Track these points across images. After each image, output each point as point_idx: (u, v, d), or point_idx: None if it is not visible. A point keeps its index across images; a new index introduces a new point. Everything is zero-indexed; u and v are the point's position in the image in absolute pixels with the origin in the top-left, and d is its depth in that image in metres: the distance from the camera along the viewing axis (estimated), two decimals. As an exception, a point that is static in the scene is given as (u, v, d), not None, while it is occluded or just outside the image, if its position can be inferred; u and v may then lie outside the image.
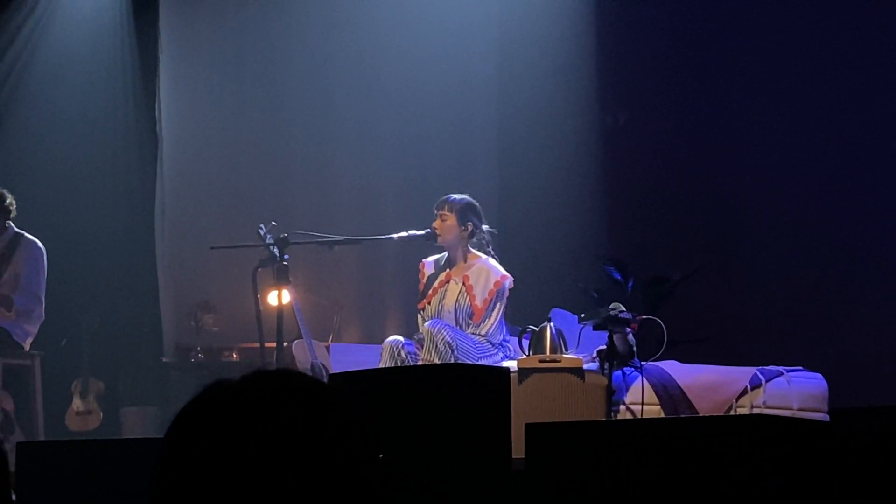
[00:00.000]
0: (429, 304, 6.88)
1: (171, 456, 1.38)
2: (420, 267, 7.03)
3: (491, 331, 6.70)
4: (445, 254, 6.94)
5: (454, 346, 6.41)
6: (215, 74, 9.54)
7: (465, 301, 6.77)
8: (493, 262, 6.85)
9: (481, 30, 8.89)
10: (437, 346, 6.38)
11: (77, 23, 9.23)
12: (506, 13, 8.80)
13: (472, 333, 6.69)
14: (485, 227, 6.91)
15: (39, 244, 7.59)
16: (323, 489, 1.32)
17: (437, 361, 6.31)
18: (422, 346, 6.52)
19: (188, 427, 1.38)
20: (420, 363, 6.42)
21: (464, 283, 6.80)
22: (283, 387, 1.38)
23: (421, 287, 6.97)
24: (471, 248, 6.88)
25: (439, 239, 6.83)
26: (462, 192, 6.99)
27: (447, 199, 6.86)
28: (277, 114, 9.38)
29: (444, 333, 6.43)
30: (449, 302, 6.81)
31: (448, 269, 6.90)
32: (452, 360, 6.33)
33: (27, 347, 7.54)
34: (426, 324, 6.58)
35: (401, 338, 6.68)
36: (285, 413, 1.35)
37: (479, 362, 6.46)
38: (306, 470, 1.32)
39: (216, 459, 1.33)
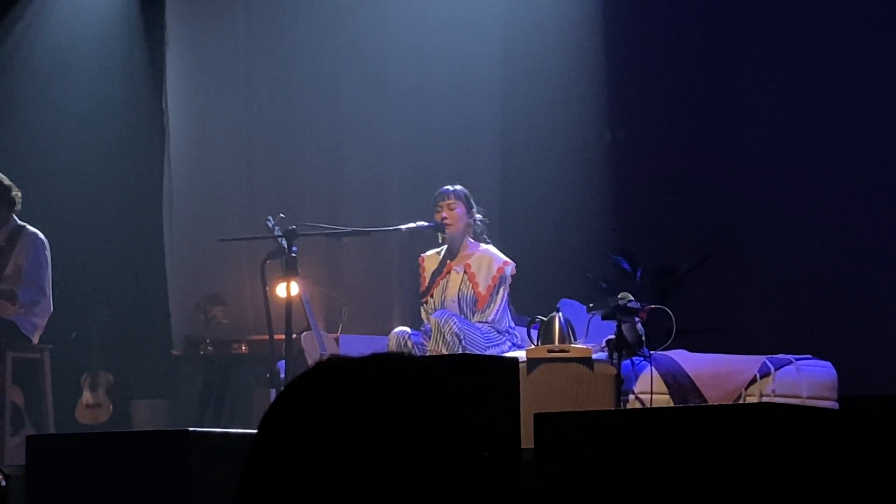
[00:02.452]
0: (431, 296, 6.91)
1: (277, 430, 1.28)
2: (420, 262, 7.08)
3: (497, 316, 6.74)
4: (445, 247, 6.99)
5: (462, 337, 6.42)
6: (222, 66, 9.54)
7: (469, 289, 6.80)
8: (493, 249, 6.92)
9: (487, 24, 8.88)
10: (444, 336, 6.40)
11: (84, 14, 9.23)
12: (512, 7, 8.80)
13: (478, 321, 6.71)
14: (478, 215, 6.98)
15: (41, 236, 7.56)
16: (434, 477, 1.26)
17: (444, 352, 6.32)
18: (429, 337, 6.54)
19: (300, 400, 1.29)
20: (428, 354, 6.43)
21: (465, 272, 6.84)
22: (404, 370, 1.30)
23: (423, 281, 7.01)
24: (468, 238, 6.94)
25: (449, 229, 6.85)
26: (468, 184, 7.04)
27: (448, 189, 6.92)
28: (285, 106, 9.38)
29: (452, 324, 6.44)
30: (451, 292, 6.84)
31: (449, 261, 6.94)
32: (460, 351, 6.34)
33: (36, 341, 7.54)
34: (433, 314, 6.60)
35: (407, 329, 6.71)
36: (405, 396, 1.27)
37: (487, 352, 6.48)
38: (420, 459, 1.25)
39: (325, 441, 1.24)
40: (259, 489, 1.27)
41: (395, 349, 6.52)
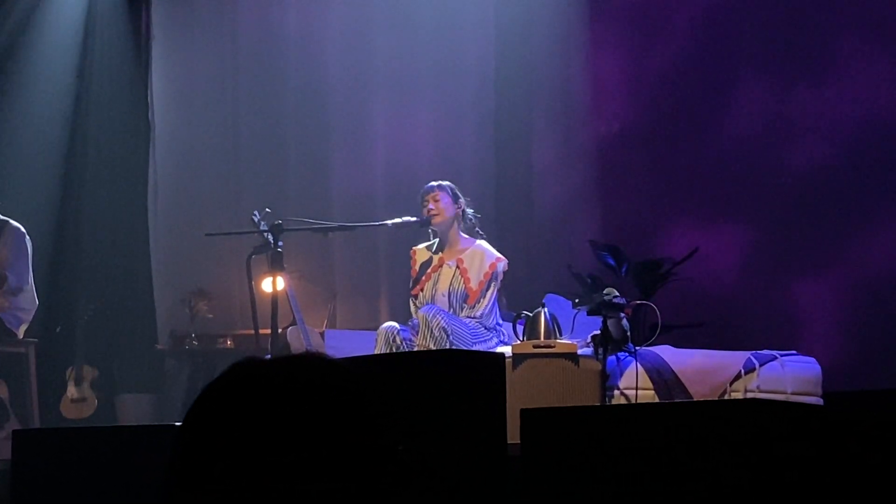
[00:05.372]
0: (422, 290, 6.91)
1: (195, 432, 1.32)
2: (411, 254, 7.07)
3: (485, 312, 6.75)
4: (436, 240, 6.99)
5: (449, 332, 6.43)
6: (207, 60, 9.52)
7: (460, 284, 6.81)
8: (486, 245, 6.92)
9: (478, 15, 8.88)
10: (432, 331, 6.40)
11: (69, 7, 9.20)
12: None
13: (467, 316, 6.71)
14: (469, 210, 6.99)
15: (22, 229, 7.61)
16: (347, 474, 1.29)
17: (432, 347, 6.33)
18: (416, 333, 6.55)
19: (215, 404, 1.33)
20: (415, 349, 6.43)
21: (458, 267, 6.85)
22: (317, 369, 1.34)
23: (413, 274, 7.00)
24: (461, 232, 6.94)
25: (436, 220, 6.87)
26: (457, 179, 7.05)
27: (432, 185, 6.96)
28: (271, 100, 9.37)
29: (440, 319, 6.44)
30: (443, 286, 6.84)
31: (440, 254, 6.94)
32: (447, 346, 6.34)
33: (21, 335, 7.54)
34: (421, 309, 6.60)
35: (396, 324, 6.71)
36: (318, 396, 1.31)
37: (474, 347, 6.49)
38: (333, 454, 1.29)
39: (242, 439, 1.28)
40: (181, 488, 1.31)
41: (384, 345, 6.53)
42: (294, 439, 1.28)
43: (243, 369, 1.35)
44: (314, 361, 1.36)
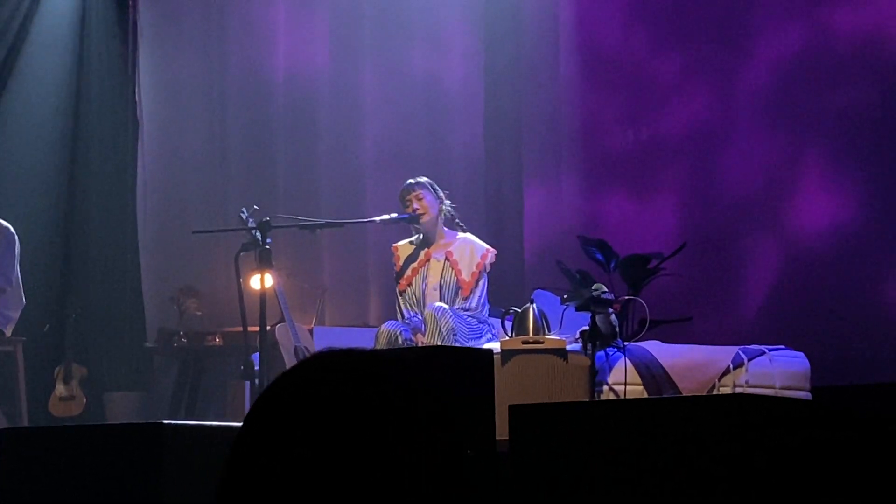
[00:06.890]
0: (409, 285, 6.92)
1: (260, 428, 1.24)
2: (393, 250, 7.10)
3: (480, 302, 6.82)
4: (419, 237, 7.01)
5: (456, 332, 6.47)
6: (195, 58, 9.50)
7: (451, 277, 6.84)
8: (473, 237, 6.97)
9: (468, 10, 8.89)
10: (440, 330, 6.44)
11: (57, 8, 9.17)
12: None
13: (461, 309, 6.75)
14: (447, 202, 7.03)
15: (11, 229, 7.58)
16: (418, 476, 1.25)
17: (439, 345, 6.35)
18: (414, 331, 6.58)
19: (290, 396, 1.25)
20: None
21: (447, 260, 6.89)
22: (393, 369, 1.29)
23: (398, 269, 7.02)
24: (443, 226, 6.97)
25: (423, 217, 6.89)
26: (448, 175, 7.08)
27: (411, 182, 6.96)
28: (258, 97, 9.36)
29: (448, 318, 6.47)
30: (433, 280, 6.87)
31: (426, 249, 6.96)
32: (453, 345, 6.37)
33: (8, 333, 7.52)
34: (428, 307, 6.62)
35: (398, 323, 6.73)
36: (404, 398, 1.27)
37: (469, 342, 6.52)
38: (411, 454, 1.25)
39: (311, 434, 1.21)
40: (244, 490, 1.23)
41: (385, 343, 6.53)
42: (373, 438, 1.22)
43: (323, 361, 1.27)
44: (393, 358, 1.30)
